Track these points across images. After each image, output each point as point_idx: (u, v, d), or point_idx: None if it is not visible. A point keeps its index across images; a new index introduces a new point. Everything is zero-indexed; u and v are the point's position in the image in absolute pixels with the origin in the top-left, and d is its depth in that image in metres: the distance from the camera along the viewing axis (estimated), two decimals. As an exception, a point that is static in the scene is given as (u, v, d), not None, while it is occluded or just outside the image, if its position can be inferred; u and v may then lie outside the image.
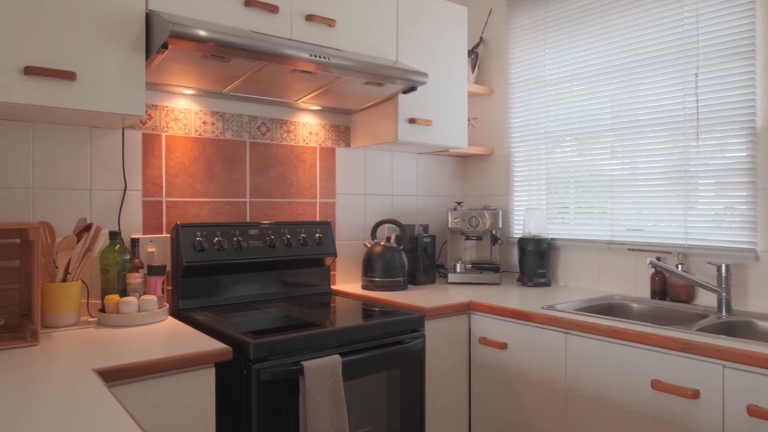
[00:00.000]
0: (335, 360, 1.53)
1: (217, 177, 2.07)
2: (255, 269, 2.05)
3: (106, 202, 1.82)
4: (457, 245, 2.60)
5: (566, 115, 2.45)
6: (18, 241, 1.59)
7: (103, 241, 1.67)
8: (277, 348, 1.47)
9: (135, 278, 1.72)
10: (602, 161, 2.31)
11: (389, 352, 1.71)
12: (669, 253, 2.09)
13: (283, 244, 2.10)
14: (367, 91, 2.06)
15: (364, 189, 2.52)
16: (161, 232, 1.94)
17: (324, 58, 1.75)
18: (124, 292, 1.74)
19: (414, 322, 1.82)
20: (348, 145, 2.45)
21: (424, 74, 2.03)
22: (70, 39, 1.45)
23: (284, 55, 1.67)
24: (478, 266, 2.54)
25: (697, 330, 1.59)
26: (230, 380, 1.51)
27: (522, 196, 2.66)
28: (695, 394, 1.43)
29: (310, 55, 1.72)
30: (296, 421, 1.51)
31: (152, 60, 1.61)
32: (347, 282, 2.46)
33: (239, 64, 1.68)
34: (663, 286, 2.07)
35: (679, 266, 2.01)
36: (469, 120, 2.91)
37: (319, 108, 2.29)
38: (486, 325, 2.00)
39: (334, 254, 2.23)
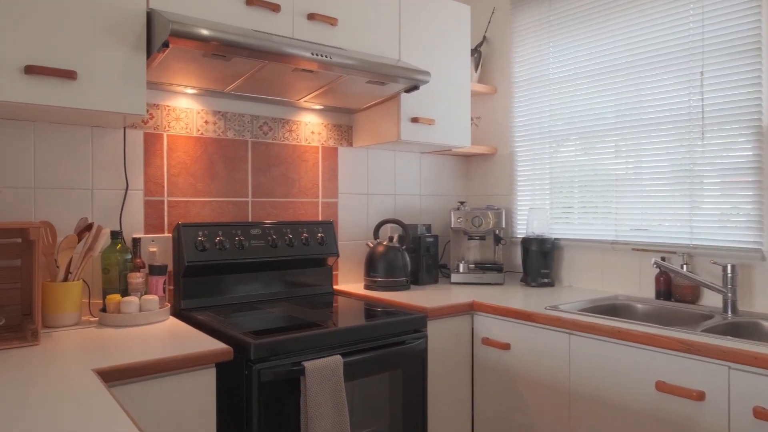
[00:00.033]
0: (337, 360, 1.52)
1: (219, 176, 2.06)
2: (257, 269, 2.04)
3: (108, 202, 1.82)
4: (460, 245, 2.59)
5: (570, 114, 2.44)
6: (19, 240, 1.59)
7: (104, 240, 1.67)
8: (278, 348, 1.47)
9: (136, 278, 1.72)
10: (606, 160, 2.30)
11: (391, 353, 1.70)
12: (674, 253, 2.07)
13: (285, 243, 2.09)
14: (370, 90, 2.05)
15: (367, 188, 2.51)
16: (163, 232, 1.93)
17: (325, 56, 1.74)
18: (125, 292, 1.74)
19: (416, 322, 1.80)
20: (350, 144, 2.44)
21: (427, 73, 2.02)
22: (71, 38, 1.45)
23: (285, 53, 1.66)
24: (481, 266, 2.53)
25: (703, 331, 1.57)
26: (231, 380, 1.50)
27: (525, 195, 2.64)
28: (700, 396, 1.42)
29: (312, 54, 1.71)
30: (297, 422, 1.50)
31: (153, 59, 1.60)
32: (350, 282, 2.45)
33: (240, 63, 1.68)
34: (668, 287, 2.05)
35: (684, 266, 1.99)
36: (472, 119, 2.90)
37: (322, 107, 2.28)
38: (489, 326, 1.99)
39: (337, 254, 2.22)
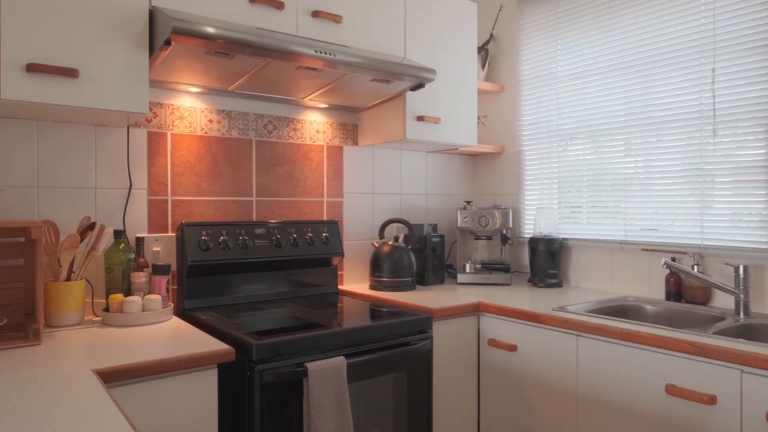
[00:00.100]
0: (340, 361, 1.50)
1: (223, 175, 2.05)
2: (261, 269, 2.03)
3: (111, 201, 1.81)
4: (467, 245, 2.57)
5: (578, 112, 2.40)
6: (22, 239, 1.58)
7: (107, 239, 1.66)
8: (280, 349, 1.45)
9: (139, 277, 1.71)
10: (616, 159, 2.26)
11: (396, 354, 1.68)
12: (684, 253, 2.03)
13: (290, 243, 2.07)
14: (375, 89, 2.03)
15: (372, 188, 2.49)
16: (166, 231, 1.92)
17: (329, 54, 1.72)
18: (128, 292, 1.73)
19: (421, 323, 1.78)
20: (356, 143, 2.43)
21: (432, 71, 2.00)
22: (73, 36, 1.44)
23: (289, 51, 1.65)
24: (488, 266, 2.50)
25: (714, 333, 1.54)
26: (233, 381, 1.48)
27: (533, 195, 2.61)
28: (712, 400, 1.38)
29: (316, 52, 1.69)
30: (300, 424, 1.48)
31: (156, 57, 1.59)
32: (355, 282, 2.43)
33: (244, 61, 1.66)
34: (678, 288, 2.02)
35: (695, 267, 1.96)
36: (479, 118, 2.87)
37: (326, 106, 2.26)
38: (495, 327, 1.96)
39: (342, 254, 2.20)
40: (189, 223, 1.88)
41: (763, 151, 1.83)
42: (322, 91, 2.01)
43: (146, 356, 1.27)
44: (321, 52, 1.71)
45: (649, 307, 2.01)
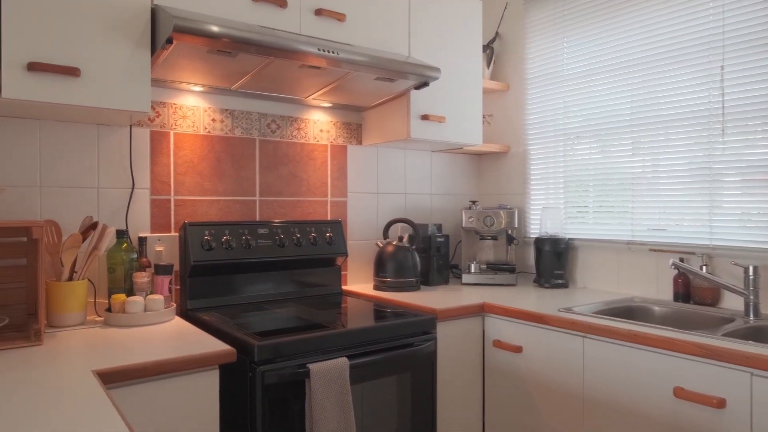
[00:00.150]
0: (342, 363, 1.49)
1: (227, 175, 2.04)
2: (264, 269, 2.01)
3: (114, 201, 1.81)
4: (472, 245, 2.54)
5: (585, 111, 2.38)
6: (24, 239, 1.58)
7: (109, 239, 1.65)
8: (282, 350, 1.44)
9: (142, 277, 1.70)
10: (623, 158, 2.23)
11: (399, 355, 1.66)
12: (693, 253, 2.00)
13: (293, 243, 2.06)
14: (379, 87, 2.01)
15: (377, 187, 2.48)
16: (169, 231, 1.91)
17: (333, 52, 1.71)
18: (131, 292, 1.72)
19: (425, 324, 1.76)
20: (360, 142, 2.41)
21: (437, 69, 1.98)
22: (74, 34, 1.43)
23: (292, 49, 1.63)
24: (493, 267, 2.48)
25: (723, 335, 1.51)
26: (235, 383, 1.47)
27: (539, 194, 2.59)
28: (721, 403, 1.36)
29: (319, 50, 1.68)
30: (302, 426, 1.47)
31: (158, 56, 1.59)
32: (358, 282, 2.41)
33: (246, 59, 1.65)
34: (686, 289, 1.99)
35: (704, 267, 1.93)
36: (484, 117, 2.85)
37: (330, 105, 2.25)
38: (500, 328, 1.94)
39: (345, 254, 2.19)
40: (192, 222, 1.87)
41: (774, 150, 1.80)
42: (325, 89, 2.00)
43: (147, 357, 1.26)
44: (324, 51, 1.69)
45: (656, 308, 1.99)
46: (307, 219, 2.23)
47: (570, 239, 2.40)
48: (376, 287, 2.25)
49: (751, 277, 1.76)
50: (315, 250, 2.11)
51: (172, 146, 1.93)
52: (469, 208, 2.47)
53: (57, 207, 1.70)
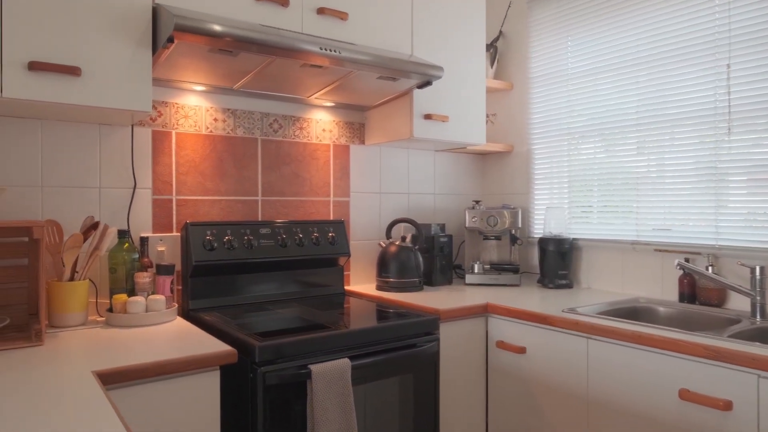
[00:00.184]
0: (344, 364, 1.48)
1: (229, 175, 2.04)
2: (266, 269, 2.01)
3: (116, 201, 1.80)
4: (475, 245, 2.53)
5: (589, 110, 2.36)
6: (26, 239, 1.57)
7: (111, 239, 1.65)
8: (284, 350, 1.43)
9: (143, 277, 1.70)
10: (628, 158, 2.22)
11: (402, 356, 1.65)
12: (698, 254, 1.98)
13: (296, 243, 2.05)
14: (381, 87, 2.00)
15: (380, 187, 2.46)
16: (171, 231, 1.91)
17: (335, 51, 1.70)
18: (132, 292, 1.72)
19: (428, 324, 1.75)
20: (362, 142, 2.40)
21: (440, 68, 1.97)
22: (75, 33, 1.43)
23: (294, 48, 1.62)
24: (497, 267, 2.46)
25: (729, 336, 1.49)
26: (236, 384, 1.46)
27: (543, 194, 2.57)
28: (727, 406, 1.34)
29: (321, 49, 1.67)
30: (303, 427, 1.46)
31: (159, 55, 1.58)
32: (361, 283, 2.40)
33: (248, 58, 1.64)
34: (692, 289, 1.97)
35: (710, 268, 1.91)
36: (487, 116, 2.83)
37: (333, 104, 2.24)
38: (504, 329, 1.93)
39: (348, 254, 2.18)
40: (194, 222, 1.87)
41: (781, 149, 1.78)
42: (328, 89, 1.99)
43: (148, 357, 1.25)
44: (326, 50, 1.68)
45: (661, 309, 1.97)
46: (310, 219, 2.22)
47: (574, 239, 2.38)
48: (379, 287, 2.24)
49: (758, 277, 1.74)
50: (317, 250, 2.10)
51: (174, 146, 1.92)
52: (473, 207, 2.46)
53: (58, 207, 1.70)
